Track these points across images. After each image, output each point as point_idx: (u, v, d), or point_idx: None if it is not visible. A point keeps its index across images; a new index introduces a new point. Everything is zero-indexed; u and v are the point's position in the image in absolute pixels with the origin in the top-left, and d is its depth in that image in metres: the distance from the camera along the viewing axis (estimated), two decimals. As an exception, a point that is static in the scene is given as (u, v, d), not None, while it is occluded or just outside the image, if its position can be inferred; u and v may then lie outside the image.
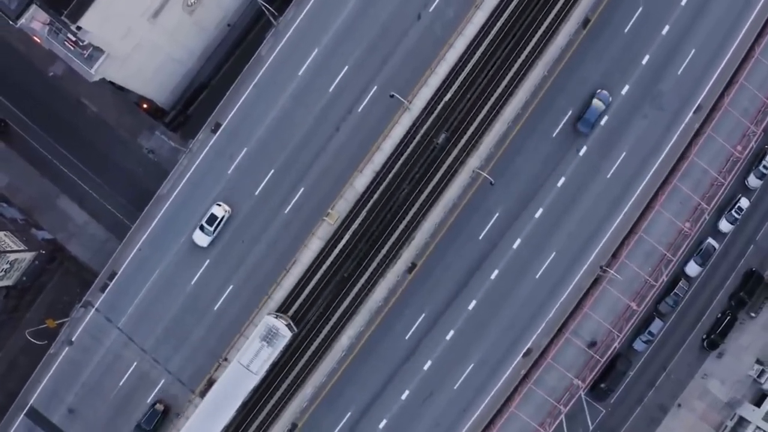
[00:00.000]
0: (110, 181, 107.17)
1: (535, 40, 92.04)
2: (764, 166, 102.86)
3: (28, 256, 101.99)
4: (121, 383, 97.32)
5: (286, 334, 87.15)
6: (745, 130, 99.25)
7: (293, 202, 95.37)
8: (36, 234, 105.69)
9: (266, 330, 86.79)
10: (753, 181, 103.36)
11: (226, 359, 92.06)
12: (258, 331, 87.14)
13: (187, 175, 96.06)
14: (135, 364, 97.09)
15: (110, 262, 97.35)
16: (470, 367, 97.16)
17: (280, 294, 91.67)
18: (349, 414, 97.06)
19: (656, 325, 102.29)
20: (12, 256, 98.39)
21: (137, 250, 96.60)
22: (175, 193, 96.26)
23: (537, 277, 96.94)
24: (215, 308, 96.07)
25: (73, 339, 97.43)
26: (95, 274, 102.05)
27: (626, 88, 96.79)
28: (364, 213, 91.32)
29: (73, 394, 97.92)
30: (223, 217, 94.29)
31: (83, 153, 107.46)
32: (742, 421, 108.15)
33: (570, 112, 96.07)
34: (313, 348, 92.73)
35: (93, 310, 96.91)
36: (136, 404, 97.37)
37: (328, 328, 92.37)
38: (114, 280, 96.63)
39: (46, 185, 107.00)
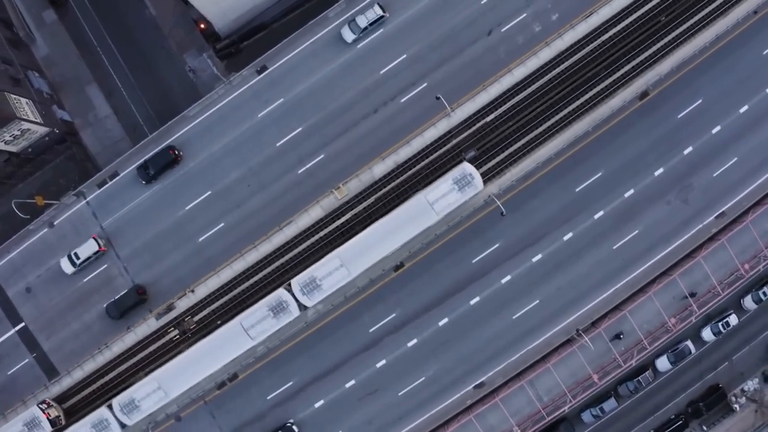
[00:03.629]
0: (144, 85, 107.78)
1: (590, 94, 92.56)
2: (763, 293, 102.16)
3: (41, 130, 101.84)
4: (85, 280, 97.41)
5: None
6: (758, 252, 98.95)
7: (310, 165, 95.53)
8: (56, 112, 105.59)
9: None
10: (749, 302, 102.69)
11: (192, 291, 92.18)
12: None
13: (218, 106, 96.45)
14: (105, 266, 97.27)
15: (116, 162, 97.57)
16: (421, 380, 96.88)
17: (266, 247, 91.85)
18: (290, 383, 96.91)
19: (610, 404, 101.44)
20: (26, 125, 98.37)
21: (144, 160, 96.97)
22: (200, 119, 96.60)
23: (514, 317, 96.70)
24: (199, 240, 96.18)
25: (55, 222, 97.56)
26: (98, 169, 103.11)
27: (660, 170, 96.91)
28: (372, 199, 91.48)
29: (36, 275, 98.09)
30: None
31: (128, 50, 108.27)
32: None
33: (600, 173, 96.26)
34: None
35: (84, 201, 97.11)
36: (91, 304, 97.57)
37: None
38: (114, 181, 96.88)
39: (82, 68, 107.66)
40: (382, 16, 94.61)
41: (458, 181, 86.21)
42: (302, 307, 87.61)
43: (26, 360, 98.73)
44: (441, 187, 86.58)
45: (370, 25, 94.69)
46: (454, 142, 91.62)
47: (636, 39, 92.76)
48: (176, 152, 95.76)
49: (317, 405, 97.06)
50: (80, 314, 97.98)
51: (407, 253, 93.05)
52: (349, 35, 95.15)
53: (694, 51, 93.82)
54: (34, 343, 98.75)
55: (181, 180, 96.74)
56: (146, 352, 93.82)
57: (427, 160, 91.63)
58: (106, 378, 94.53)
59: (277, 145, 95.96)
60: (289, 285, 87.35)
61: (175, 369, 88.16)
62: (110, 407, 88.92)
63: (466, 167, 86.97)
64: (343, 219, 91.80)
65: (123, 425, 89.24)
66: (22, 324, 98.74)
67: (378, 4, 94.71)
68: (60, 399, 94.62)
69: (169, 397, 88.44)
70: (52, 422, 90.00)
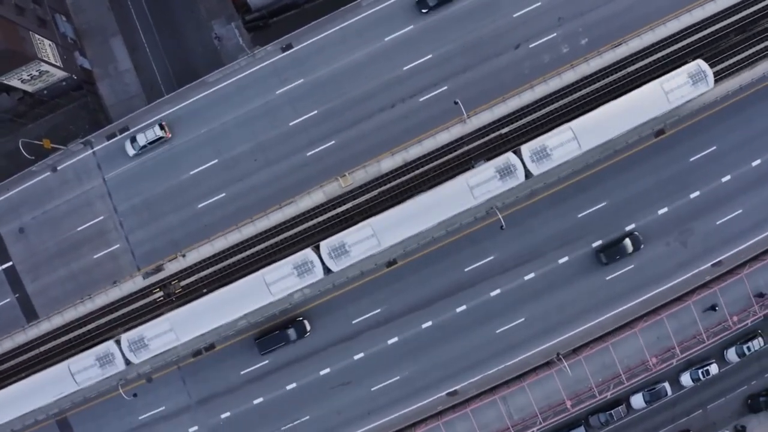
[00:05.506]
0: (168, 45, 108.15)
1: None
2: (748, 348, 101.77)
3: (60, 74, 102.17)
4: (79, 229, 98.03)
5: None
6: (748, 306, 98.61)
7: (319, 149, 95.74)
8: (76, 58, 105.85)
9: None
10: (732, 355, 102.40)
11: (184, 255, 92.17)
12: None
13: (238, 77, 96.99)
14: (101, 218, 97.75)
15: (128, 117, 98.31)
16: (395, 379, 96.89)
17: (263, 223, 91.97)
18: (266, 361, 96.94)
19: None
20: (45, 67, 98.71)
21: (157, 119, 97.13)
22: (218, 87, 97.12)
23: (497, 331, 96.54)
24: (198, 206, 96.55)
25: (58, 168, 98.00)
26: (110, 121, 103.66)
27: (664, 209, 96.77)
28: (376, 192, 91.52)
29: (31, 217, 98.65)
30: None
31: (157, 8, 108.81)
32: None
33: (604, 203, 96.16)
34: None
35: (90, 151, 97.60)
36: (82, 254, 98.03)
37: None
38: (123, 135, 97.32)
39: (110, 19, 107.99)
40: (161, 137, 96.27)
41: (693, 75, 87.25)
42: (528, 174, 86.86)
43: (8, 299, 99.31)
44: (676, 79, 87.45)
45: (150, 144, 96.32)
46: (465, 149, 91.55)
47: (660, 75, 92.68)
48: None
49: (289, 387, 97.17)
50: (69, 262, 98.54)
51: (402, 250, 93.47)
52: (130, 150, 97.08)
53: (716, 97, 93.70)
54: (19, 284, 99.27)
55: (188, 145, 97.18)
56: (128, 309, 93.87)
57: (435, 163, 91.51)
58: (84, 329, 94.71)
59: (290, 124, 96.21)
60: (518, 150, 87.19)
61: (390, 220, 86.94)
62: (317, 248, 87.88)
63: (701, 64, 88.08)
64: (343, 207, 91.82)
65: (328, 270, 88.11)
66: (10, 263, 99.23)
67: (159, 125, 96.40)
68: (35, 344, 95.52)
69: (380, 247, 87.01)
70: None
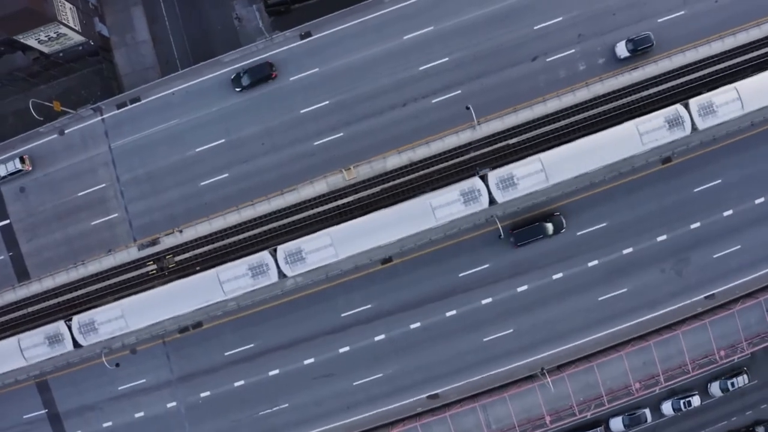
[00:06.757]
0: (188, 20, 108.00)
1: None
2: (732, 383, 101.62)
3: (77, 38, 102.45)
4: (79, 194, 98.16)
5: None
6: (736, 342, 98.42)
7: (326, 140, 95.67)
8: (95, 24, 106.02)
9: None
10: (715, 388, 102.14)
11: (181, 231, 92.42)
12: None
13: (254, 59, 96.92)
14: (102, 185, 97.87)
15: (141, 88, 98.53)
16: (378, 376, 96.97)
17: (263, 207, 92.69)
18: (251, 345, 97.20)
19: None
20: (63, 30, 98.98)
21: (170, 93, 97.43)
22: (233, 67, 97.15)
23: (484, 340, 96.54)
24: (201, 184, 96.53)
25: (66, 131, 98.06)
26: (122, 90, 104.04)
27: (663, 236, 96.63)
28: (378, 188, 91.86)
29: (32, 178, 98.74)
30: None
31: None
32: None
33: (605, 224, 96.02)
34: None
35: (99, 118, 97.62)
36: (79, 220, 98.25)
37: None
38: (134, 105, 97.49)
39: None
40: (20, 170, 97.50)
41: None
42: (694, 127, 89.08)
43: (1, 257, 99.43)
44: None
45: (10, 175, 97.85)
46: (472, 155, 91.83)
47: (674, 102, 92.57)
48: None
49: (272, 373, 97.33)
50: (66, 225, 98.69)
51: (398, 249, 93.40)
52: None
53: (726, 131, 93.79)
54: (14, 243, 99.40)
55: (197, 123, 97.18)
56: (119, 278, 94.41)
57: (440, 166, 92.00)
58: (73, 294, 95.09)
59: (300, 112, 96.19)
60: (686, 103, 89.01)
61: (559, 157, 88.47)
62: (484, 178, 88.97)
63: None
64: (344, 200, 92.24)
65: (493, 201, 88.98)
66: (7, 221, 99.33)
67: (20, 158, 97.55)
68: (23, 305, 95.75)
69: (548, 183, 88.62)
70: None
